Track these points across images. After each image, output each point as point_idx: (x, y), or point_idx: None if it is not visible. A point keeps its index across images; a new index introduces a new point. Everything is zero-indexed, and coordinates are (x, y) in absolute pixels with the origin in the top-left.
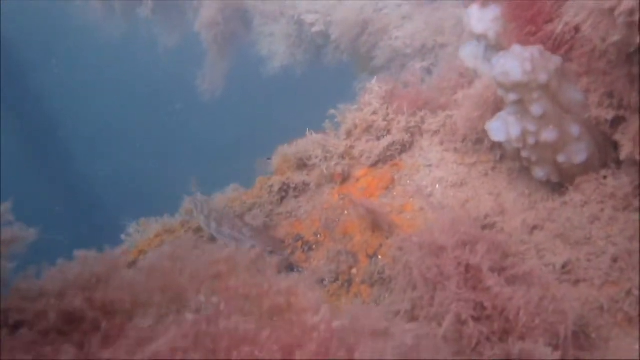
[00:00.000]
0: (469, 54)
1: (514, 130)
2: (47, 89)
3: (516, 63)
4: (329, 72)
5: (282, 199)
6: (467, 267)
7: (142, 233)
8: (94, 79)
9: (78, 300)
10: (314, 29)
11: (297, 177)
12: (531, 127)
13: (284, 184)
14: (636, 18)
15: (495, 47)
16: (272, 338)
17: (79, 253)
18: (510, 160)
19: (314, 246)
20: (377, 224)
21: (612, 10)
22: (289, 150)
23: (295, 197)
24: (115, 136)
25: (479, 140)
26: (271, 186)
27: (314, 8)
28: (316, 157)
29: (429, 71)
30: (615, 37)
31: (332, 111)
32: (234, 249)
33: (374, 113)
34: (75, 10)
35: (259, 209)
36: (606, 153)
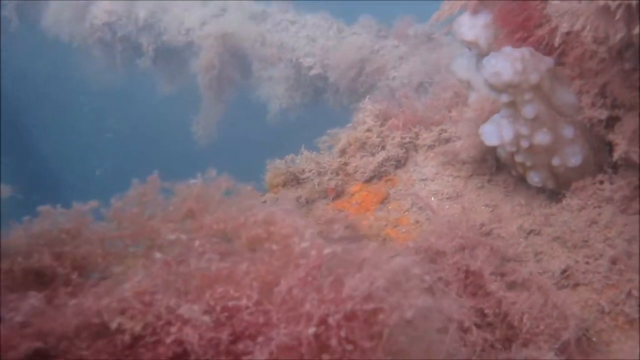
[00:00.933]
0: (461, 66)
1: (507, 133)
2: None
3: (507, 63)
4: (330, 116)
5: None
6: (467, 273)
7: None
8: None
9: (46, 257)
10: (312, 72)
11: (290, 194)
12: (524, 130)
13: (276, 200)
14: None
15: (486, 55)
16: (250, 273)
17: (44, 209)
18: (506, 171)
19: None
20: None
21: (607, 8)
22: (281, 165)
23: None
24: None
25: (481, 158)
26: (264, 202)
27: (311, 51)
28: (309, 171)
29: (425, 91)
30: (618, 35)
31: (324, 137)
32: (203, 185)
33: (368, 130)
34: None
35: None
36: (601, 156)
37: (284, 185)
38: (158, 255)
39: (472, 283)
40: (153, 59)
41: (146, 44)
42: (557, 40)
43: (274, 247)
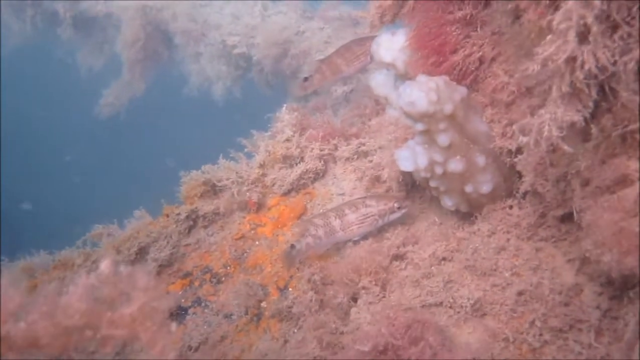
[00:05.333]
0: (379, 83)
1: (422, 160)
2: None
3: (422, 93)
4: (258, 95)
5: (191, 228)
6: None
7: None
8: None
9: None
10: (236, 51)
11: (207, 206)
12: (438, 157)
13: (192, 212)
14: None
15: (404, 75)
16: None
17: None
18: (421, 188)
19: (223, 278)
20: None
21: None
22: (198, 175)
23: (205, 226)
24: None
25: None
26: (178, 214)
27: (235, 29)
28: (227, 179)
29: (346, 98)
30: None
31: (243, 141)
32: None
33: (287, 140)
34: None
35: (165, 240)
36: (511, 183)
37: (201, 196)
38: None
39: None
40: (73, 27)
41: (63, 11)
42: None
43: None
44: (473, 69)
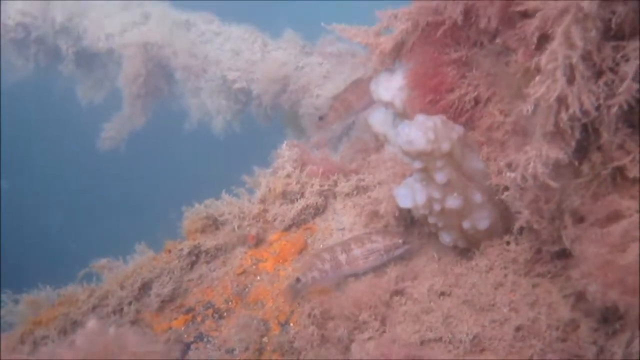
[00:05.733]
0: (378, 120)
1: (420, 197)
2: None
3: (419, 132)
4: (257, 129)
5: (193, 264)
6: None
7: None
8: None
9: None
10: (236, 86)
11: (209, 242)
12: (436, 195)
13: (194, 247)
14: None
15: (402, 114)
16: None
17: None
18: (420, 224)
19: (225, 314)
20: None
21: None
22: (200, 210)
23: (207, 262)
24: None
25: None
26: (181, 250)
27: (235, 65)
28: (229, 214)
29: (346, 133)
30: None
31: (245, 177)
32: None
33: (288, 176)
34: None
35: (168, 276)
36: (508, 219)
37: (203, 231)
38: None
39: None
40: (75, 63)
41: (65, 48)
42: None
43: None
44: (469, 107)
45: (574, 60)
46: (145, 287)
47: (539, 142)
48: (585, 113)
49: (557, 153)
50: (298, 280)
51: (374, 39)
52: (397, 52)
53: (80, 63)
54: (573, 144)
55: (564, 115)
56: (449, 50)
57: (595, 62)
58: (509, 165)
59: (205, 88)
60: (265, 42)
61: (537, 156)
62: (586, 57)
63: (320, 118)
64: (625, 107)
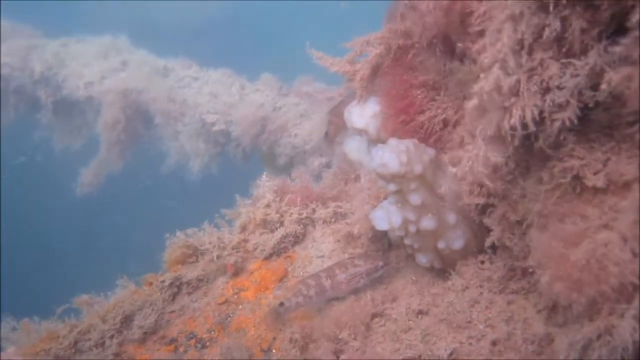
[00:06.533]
0: (353, 148)
1: (396, 219)
2: None
3: (393, 155)
4: (236, 170)
5: (175, 295)
6: None
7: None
8: None
9: None
10: (215, 128)
11: (191, 273)
12: (411, 216)
13: (176, 279)
14: None
15: (376, 141)
16: None
17: None
18: (397, 248)
19: (207, 343)
20: None
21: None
22: (181, 239)
23: (189, 293)
24: None
25: (374, 237)
26: (163, 282)
27: (214, 108)
28: (210, 243)
29: (328, 166)
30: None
31: (225, 210)
32: None
33: (267, 206)
34: None
35: (150, 308)
36: (482, 238)
37: (184, 262)
38: None
39: None
40: (53, 112)
41: (45, 97)
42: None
43: None
44: (438, 129)
45: (507, 55)
46: (127, 319)
47: (480, 144)
48: (524, 126)
49: (495, 157)
50: (281, 304)
51: (350, 67)
52: (375, 75)
53: (59, 111)
54: (511, 149)
55: (505, 124)
56: (417, 74)
57: (543, 78)
58: (452, 161)
59: (184, 132)
60: (242, 85)
61: (477, 156)
62: (532, 72)
63: (326, 134)
64: (569, 124)
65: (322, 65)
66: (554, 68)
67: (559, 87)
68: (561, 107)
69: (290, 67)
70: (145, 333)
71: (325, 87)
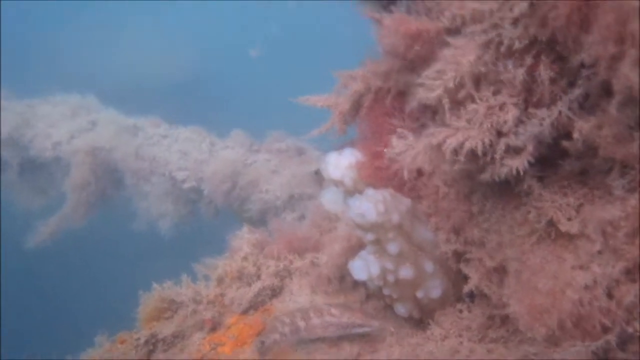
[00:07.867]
0: (329, 200)
1: (374, 269)
2: None
3: (370, 205)
4: (207, 227)
5: (151, 352)
6: None
7: None
8: None
9: None
10: (186, 185)
11: (166, 329)
12: (389, 265)
13: (151, 336)
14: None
15: (352, 191)
16: None
17: None
18: (376, 298)
19: None
20: None
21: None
22: (156, 295)
23: (165, 350)
24: None
25: (342, 279)
26: (138, 340)
27: (184, 165)
28: (186, 296)
29: (300, 220)
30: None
31: (198, 265)
32: None
33: (244, 259)
34: None
35: None
36: (460, 287)
37: (159, 319)
38: None
39: None
40: (19, 173)
41: (10, 158)
42: (405, 176)
43: None
44: (412, 178)
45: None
46: None
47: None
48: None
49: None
50: (262, 342)
51: (334, 100)
52: (355, 111)
53: (24, 172)
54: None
55: (461, 158)
56: (392, 120)
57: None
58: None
59: (153, 191)
60: (213, 142)
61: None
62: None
63: (316, 172)
64: (522, 170)
65: (309, 105)
66: (513, 113)
67: (515, 133)
68: (516, 152)
69: (262, 122)
70: None
71: (296, 144)
